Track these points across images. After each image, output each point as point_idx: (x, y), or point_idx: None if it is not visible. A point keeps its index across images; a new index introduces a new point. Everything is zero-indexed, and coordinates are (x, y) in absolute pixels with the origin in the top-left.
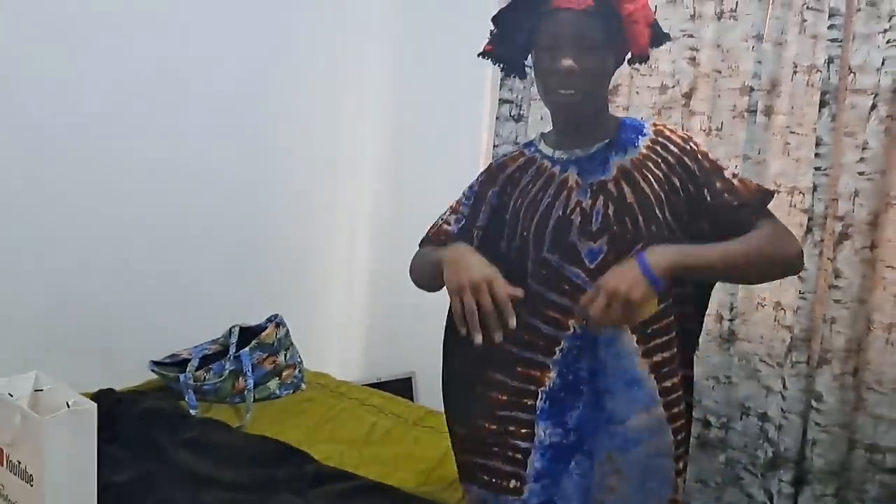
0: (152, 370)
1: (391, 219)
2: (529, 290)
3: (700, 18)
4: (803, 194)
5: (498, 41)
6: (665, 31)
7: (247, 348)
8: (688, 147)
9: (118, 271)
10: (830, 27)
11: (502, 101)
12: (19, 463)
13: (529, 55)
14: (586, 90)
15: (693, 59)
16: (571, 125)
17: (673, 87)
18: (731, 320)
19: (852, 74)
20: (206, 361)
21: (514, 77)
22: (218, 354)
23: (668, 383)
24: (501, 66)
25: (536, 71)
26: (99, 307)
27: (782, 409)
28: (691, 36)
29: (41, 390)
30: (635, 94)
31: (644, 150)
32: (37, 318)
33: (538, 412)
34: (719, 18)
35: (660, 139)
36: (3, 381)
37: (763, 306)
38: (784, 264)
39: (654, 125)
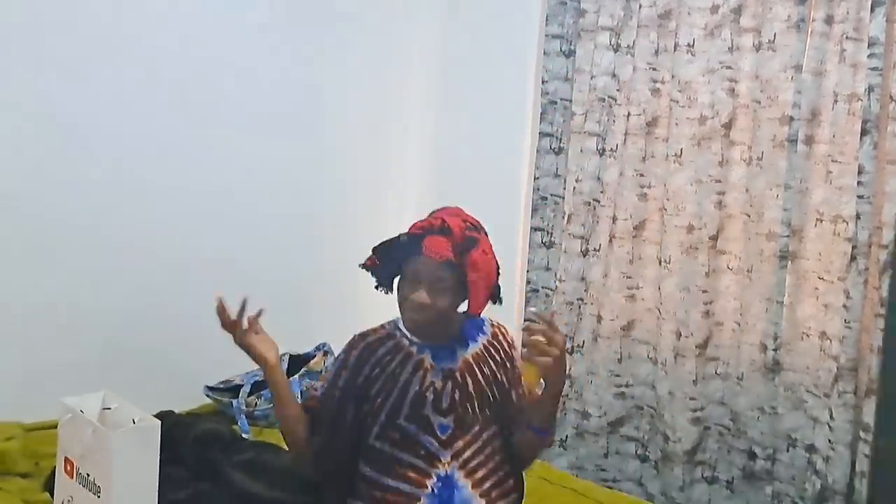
0: (207, 395)
1: None
2: (380, 451)
3: (738, 50)
4: (847, 223)
5: (377, 263)
6: (500, 293)
7: (296, 375)
8: (510, 354)
9: (175, 300)
10: (870, 56)
11: (542, 135)
12: (88, 475)
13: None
14: (432, 319)
15: (732, 90)
16: (423, 335)
17: (712, 118)
18: (775, 350)
19: (894, 102)
20: (257, 387)
21: (555, 112)
22: None
23: None
24: (376, 281)
25: (399, 293)
26: (157, 333)
27: (830, 441)
28: (730, 67)
29: (109, 408)
30: (675, 125)
31: (481, 348)
32: (102, 344)
33: None
34: (758, 50)
35: (494, 342)
36: (75, 399)
37: (808, 336)
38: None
39: (493, 325)
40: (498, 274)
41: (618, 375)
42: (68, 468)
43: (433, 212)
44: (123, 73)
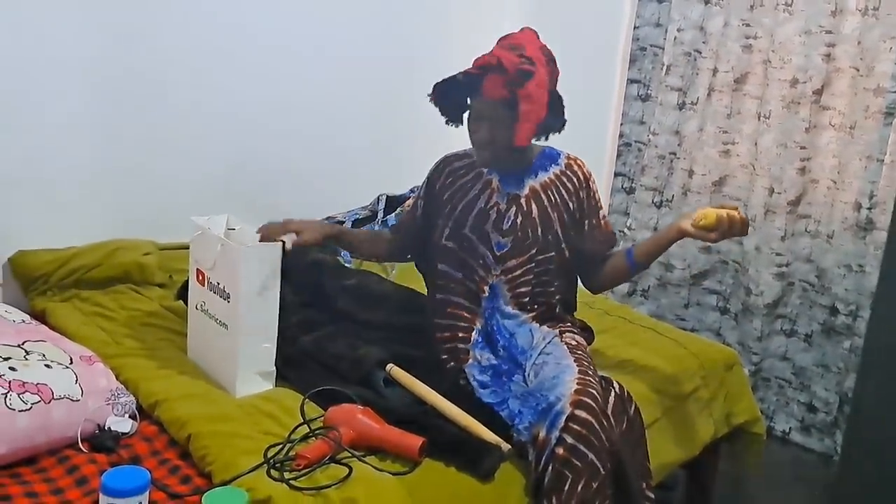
0: None
1: None
2: (451, 250)
3: (841, 13)
4: None
5: (439, 100)
6: (562, 120)
7: (392, 214)
8: (585, 184)
9: (284, 145)
10: None
11: None
12: (218, 284)
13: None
14: (493, 152)
15: (828, 55)
16: (491, 165)
17: (804, 82)
18: (869, 209)
19: None
20: (357, 224)
21: None
22: (367, 219)
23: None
24: (444, 117)
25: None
26: (269, 173)
27: None
28: (829, 32)
29: (233, 229)
30: (766, 85)
31: (552, 177)
32: (221, 177)
33: (472, 343)
34: (863, 14)
35: (568, 171)
36: (204, 219)
37: None
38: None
39: (568, 158)
40: (553, 110)
41: None
42: (200, 278)
43: (501, 38)
44: None
